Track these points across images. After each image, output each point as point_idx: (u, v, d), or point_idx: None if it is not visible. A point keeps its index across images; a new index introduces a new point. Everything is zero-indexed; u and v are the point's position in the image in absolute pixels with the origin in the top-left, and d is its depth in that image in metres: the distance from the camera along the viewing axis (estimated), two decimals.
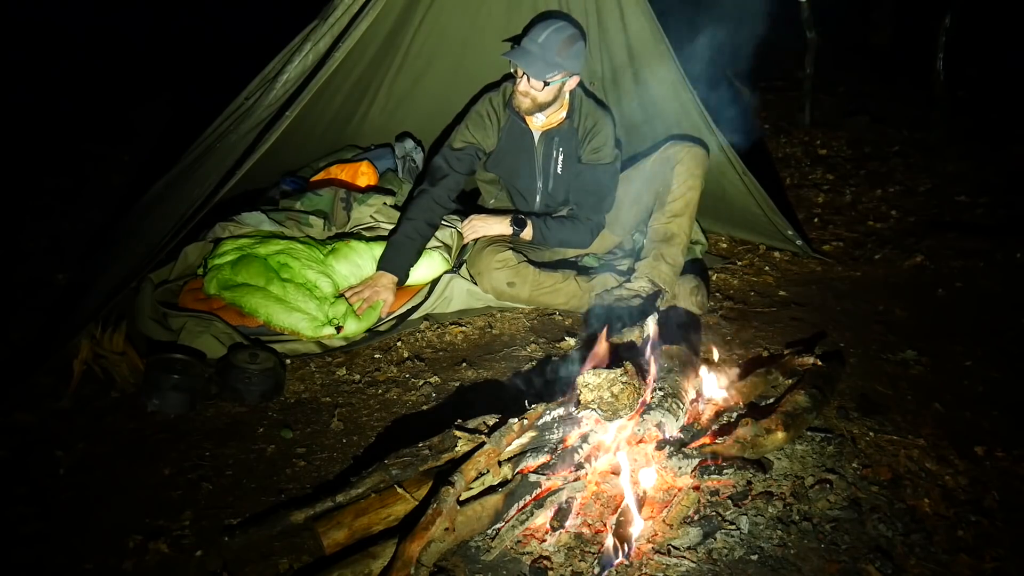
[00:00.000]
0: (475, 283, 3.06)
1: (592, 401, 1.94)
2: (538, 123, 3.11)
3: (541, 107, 3.00)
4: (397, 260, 2.97)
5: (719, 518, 1.88)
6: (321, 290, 2.87)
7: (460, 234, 3.21)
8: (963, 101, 5.57)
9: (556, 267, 3.14)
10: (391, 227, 3.13)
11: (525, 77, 2.90)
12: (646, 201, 3.18)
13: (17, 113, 5.30)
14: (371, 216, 3.29)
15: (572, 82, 3.01)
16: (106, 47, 6.95)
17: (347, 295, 2.90)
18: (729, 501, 1.93)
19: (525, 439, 2.01)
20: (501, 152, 3.19)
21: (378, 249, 3.03)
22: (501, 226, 3.15)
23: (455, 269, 3.11)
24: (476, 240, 3.18)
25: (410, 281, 3.06)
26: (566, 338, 2.85)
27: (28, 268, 3.36)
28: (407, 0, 3.18)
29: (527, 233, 3.15)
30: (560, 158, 3.17)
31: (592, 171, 3.15)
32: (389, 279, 2.94)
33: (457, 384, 2.57)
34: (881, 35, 7.74)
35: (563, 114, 3.10)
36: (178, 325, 2.66)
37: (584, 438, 1.99)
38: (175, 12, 8.16)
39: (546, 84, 2.89)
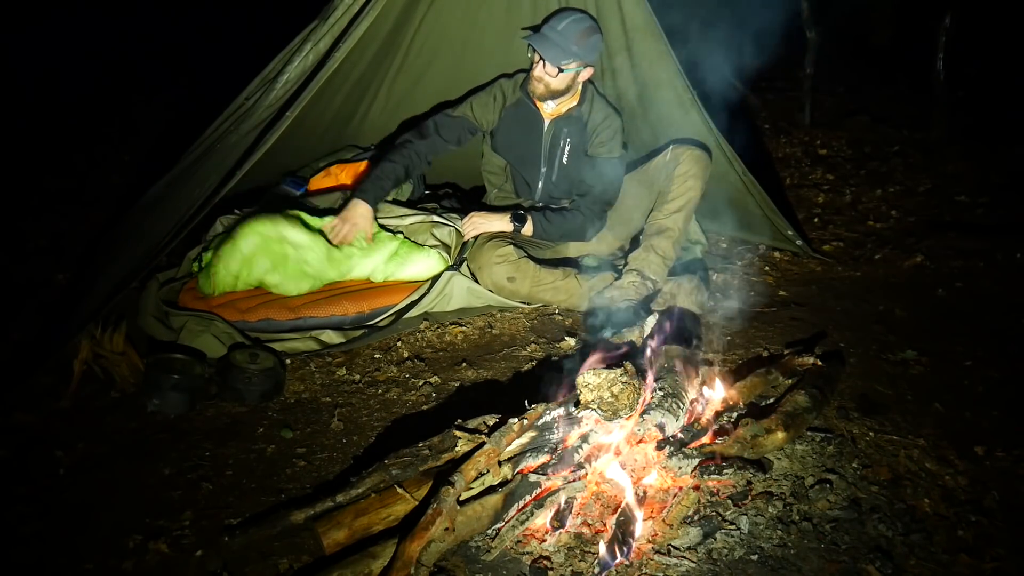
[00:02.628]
0: (475, 280, 3.07)
1: (592, 401, 1.94)
2: (548, 110, 3.17)
3: (554, 94, 3.07)
4: (372, 191, 3.07)
5: (719, 518, 1.88)
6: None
7: (459, 233, 3.21)
8: (963, 101, 5.57)
9: (557, 265, 3.14)
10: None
11: (541, 62, 2.98)
12: (647, 204, 3.19)
13: (17, 113, 5.30)
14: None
15: (586, 73, 3.08)
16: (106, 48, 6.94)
17: (324, 229, 3.00)
18: (729, 501, 1.93)
19: (525, 439, 2.01)
20: (510, 135, 3.24)
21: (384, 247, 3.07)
22: (501, 223, 3.16)
23: (455, 266, 3.11)
24: (476, 237, 3.18)
25: (408, 277, 3.07)
26: (566, 338, 2.85)
27: (28, 268, 3.36)
28: (407, 0, 3.18)
29: (527, 229, 3.15)
30: (567, 148, 3.21)
31: (597, 163, 3.17)
32: (365, 208, 3.03)
33: (457, 384, 2.57)
34: (881, 35, 7.73)
35: (574, 103, 3.16)
36: (179, 324, 2.67)
37: (584, 438, 1.99)
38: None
39: (560, 71, 2.96)
